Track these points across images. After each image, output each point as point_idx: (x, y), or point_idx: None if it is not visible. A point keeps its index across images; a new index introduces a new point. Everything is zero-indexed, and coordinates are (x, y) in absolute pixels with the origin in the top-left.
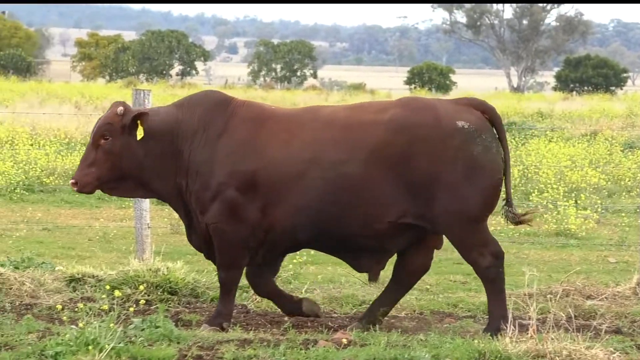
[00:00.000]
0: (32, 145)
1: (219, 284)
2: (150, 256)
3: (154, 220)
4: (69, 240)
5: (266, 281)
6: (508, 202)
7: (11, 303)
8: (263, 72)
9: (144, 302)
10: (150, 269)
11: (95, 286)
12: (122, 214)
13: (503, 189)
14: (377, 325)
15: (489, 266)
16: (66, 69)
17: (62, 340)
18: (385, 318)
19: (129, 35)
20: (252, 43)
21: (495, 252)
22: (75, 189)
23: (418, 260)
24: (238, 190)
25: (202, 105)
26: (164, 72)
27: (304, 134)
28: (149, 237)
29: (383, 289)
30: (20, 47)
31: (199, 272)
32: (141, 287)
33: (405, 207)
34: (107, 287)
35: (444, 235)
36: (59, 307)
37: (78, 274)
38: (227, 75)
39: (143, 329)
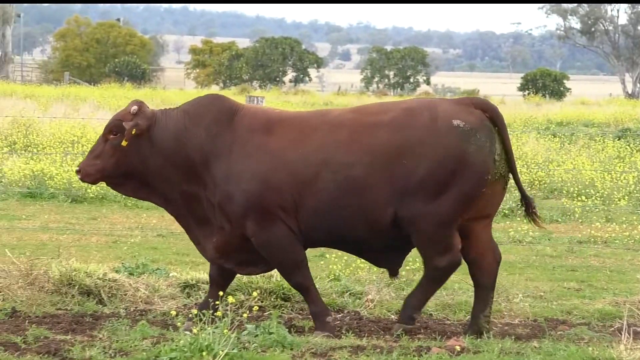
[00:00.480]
0: None
1: (298, 291)
2: None
3: None
4: (183, 247)
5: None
6: (524, 198)
7: (126, 309)
8: (376, 79)
9: (258, 308)
10: (263, 275)
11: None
12: None
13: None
14: (487, 333)
15: (441, 269)
16: (180, 76)
17: (177, 346)
18: (499, 325)
19: (243, 42)
20: (365, 50)
21: (453, 259)
22: (78, 176)
23: (484, 258)
24: (262, 196)
25: (208, 114)
26: (277, 79)
27: (314, 136)
28: None
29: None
30: (135, 54)
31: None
32: (254, 294)
33: (395, 206)
34: (221, 293)
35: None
36: (173, 313)
37: (192, 280)
38: (340, 82)
39: (256, 335)
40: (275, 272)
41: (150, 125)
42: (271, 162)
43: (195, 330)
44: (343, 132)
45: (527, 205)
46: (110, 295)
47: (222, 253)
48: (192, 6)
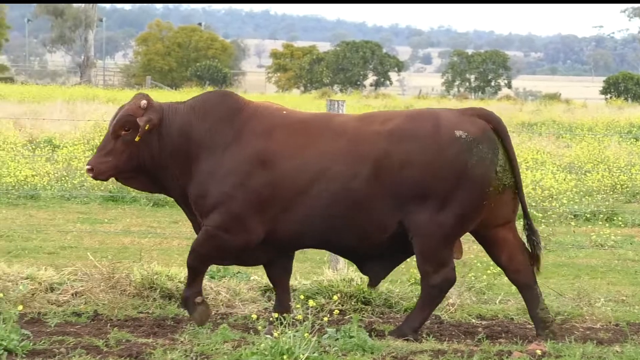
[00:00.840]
0: None
1: (187, 267)
2: (344, 266)
3: None
4: None
5: (277, 267)
6: (525, 215)
7: None
8: (457, 83)
9: (338, 312)
10: (344, 279)
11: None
12: None
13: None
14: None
15: (436, 286)
16: (261, 80)
17: (257, 349)
18: (580, 329)
19: (324, 46)
20: (446, 53)
21: (448, 277)
22: (90, 175)
23: (515, 258)
24: (243, 204)
25: (213, 111)
26: (358, 82)
27: (314, 145)
28: None
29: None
30: (216, 58)
31: (392, 282)
32: (335, 297)
33: (398, 218)
34: (302, 296)
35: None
36: (254, 316)
37: None
38: (421, 85)
39: (337, 339)
40: (356, 276)
41: (161, 119)
42: (264, 170)
43: (276, 334)
44: (343, 141)
45: (530, 227)
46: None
47: None
48: (273, 10)
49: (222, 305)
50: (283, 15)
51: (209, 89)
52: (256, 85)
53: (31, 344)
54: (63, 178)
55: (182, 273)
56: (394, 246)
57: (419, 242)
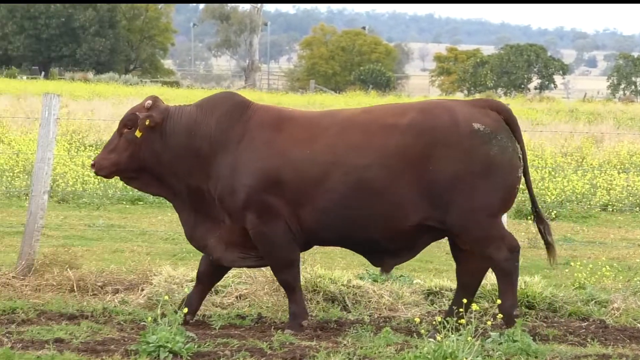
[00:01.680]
0: None
1: (283, 287)
2: None
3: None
4: (427, 254)
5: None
6: (533, 203)
7: (370, 316)
8: (622, 86)
9: (502, 316)
10: None
11: (453, 299)
12: None
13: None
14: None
15: (506, 259)
16: (425, 83)
17: (420, 353)
18: None
19: (488, 50)
20: (612, 56)
21: (511, 245)
22: (93, 170)
23: (475, 261)
24: (265, 191)
25: (220, 108)
26: (522, 86)
27: (325, 137)
28: None
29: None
30: (380, 62)
31: (557, 287)
32: (498, 301)
33: (426, 211)
34: (464, 300)
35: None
36: (417, 319)
37: (436, 288)
38: (586, 89)
39: (500, 343)
40: (520, 280)
41: (164, 119)
42: (277, 159)
43: (439, 338)
44: (357, 133)
45: (539, 215)
46: (354, 302)
47: (224, 247)
48: (437, 14)
49: (385, 308)
50: (447, 18)
51: (373, 93)
52: (420, 89)
53: (196, 346)
54: None
55: (345, 276)
56: (414, 240)
57: (468, 233)
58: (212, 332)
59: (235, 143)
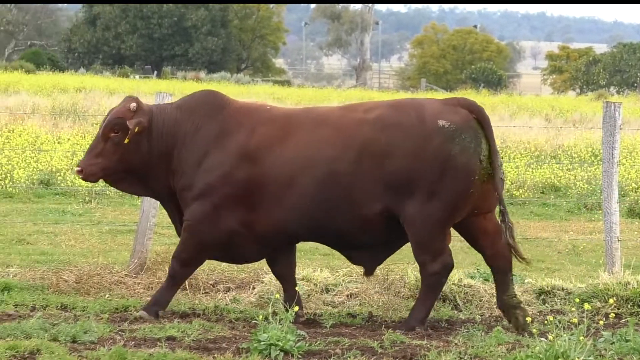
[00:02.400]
0: (502, 158)
1: (169, 274)
2: (620, 269)
3: (623, 233)
4: (538, 253)
5: (281, 264)
6: (501, 204)
7: (481, 315)
8: None
9: (614, 315)
10: (620, 282)
11: (564, 299)
12: (592, 226)
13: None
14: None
15: (435, 273)
16: (536, 82)
17: (532, 352)
18: None
19: (600, 48)
20: None
21: (446, 262)
22: (80, 176)
23: (497, 244)
24: (225, 196)
25: (197, 107)
26: (635, 84)
27: (298, 134)
28: (618, 250)
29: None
30: (491, 60)
31: None
32: (611, 301)
33: (388, 200)
34: (577, 300)
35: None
36: (528, 319)
37: (547, 287)
38: None
39: (612, 343)
40: (633, 279)
41: (150, 121)
42: (247, 163)
43: (551, 337)
44: (326, 129)
45: (503, 214)
46: (465, 301)
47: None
48: (549, 12)
49: (496, 308)
50: (559, 17)
51: (484, 92)
52: (531, 88)
53: (307, 344)
54: None
55: (456, 275)
56: (384, 233)
57: (412, 233)
58: (323, 331)
59: (206, 142)
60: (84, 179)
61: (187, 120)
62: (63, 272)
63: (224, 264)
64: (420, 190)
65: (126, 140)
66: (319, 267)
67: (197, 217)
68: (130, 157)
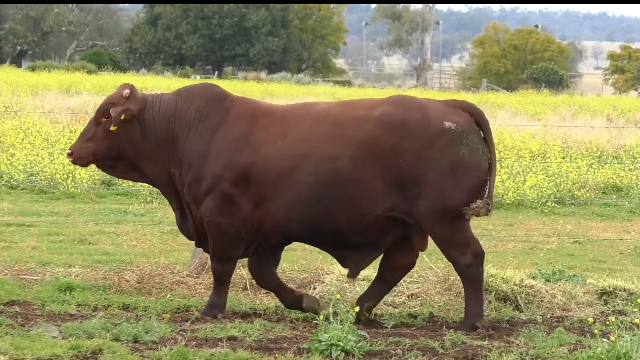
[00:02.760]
0: (563, 158)
1: (213, 276)
2: None
3: None
4: (600, 253)
5: (267, 272)
6: (488, 196)
7: (542, 315)
8: None
9: None
10: None
11: (626, 300)
12: None
13: None
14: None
15: (470, 265)
16: (598, 82)
17: (594, 353)
18: None
19: None
20: None
21: (476, 251)
22: (70, 159)
23: (403, 259)
24: (232, 184)
25: (200, 97)
26: None
27: (297, 129)
28: None
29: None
30: (552, 60)
31: None
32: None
33: (392, 202)
34: (639, 300)
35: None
36: (590, 320)
37: (609, 287)
38: None
39: None
40: None
41: (141, 109)
42: (250, 154)
43: (612, 338)
44: (329, 125)
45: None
46: (526, 301)
47: (199, 235)
48: (611, 12)
49: (558, 308)
50: (621, 16)
51: (545, 92)
52: (593, 87)
53: (368, 345)
54: None
55: (517, 276)
56: (381, 234)
57: (432, 231)
58: (384, 331)
59: (211, 132)
60: (74, 163)
61: (189, 109)
62: (125, 272)
63: (284, 264)
64: (430, 189)
65: (112, 127)
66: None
67: (213, 211)
68: (120, 143)
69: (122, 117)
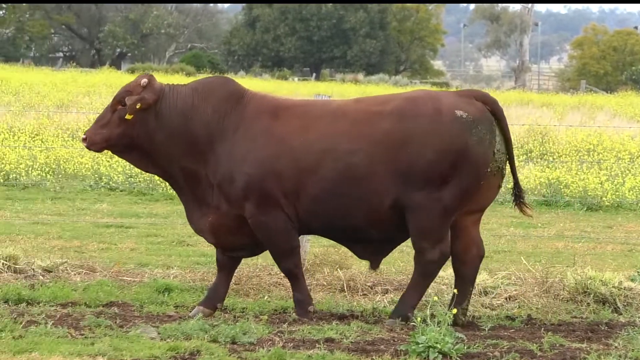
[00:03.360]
0: None
1: (287, 277)
2: None
3: None
4: None
5: (228, 265)
6: (517, 187)
7: None
8: None
9: None
10: None
11: None
12: None
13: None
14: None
15: (433, 262)
16: None
17: None
18: None
19: None
20: None
21: (444, 251)
22: (84, 144)
23: (468, 251)
24: (264, 180)
25: (217, 94)
26: None
27: (319, 125)
28: None
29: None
30: None
31: None
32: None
33: (397, 191)
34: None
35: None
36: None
37: None
38: None
39: None
40: None
41: (157, 100)
42: (275, 147)
43: None
44: (346, 122)
45: (517, 196)
46: (625, 304)
47: (216, 233)
48: None
49: None
50: None
51: None
52: None
53: (465, 347)
54: None
55: (616, 278)
56: (394, 226)
57: (416, 218)
58: (481, 333)
59: (232, 131)
60: (87, 147)
61: (206, 107)
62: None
63: (382, 266)
64: (433, 179)
65: (127, 116)
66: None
67: (254, 212)
68: (134, 132)
69: (137, 106)
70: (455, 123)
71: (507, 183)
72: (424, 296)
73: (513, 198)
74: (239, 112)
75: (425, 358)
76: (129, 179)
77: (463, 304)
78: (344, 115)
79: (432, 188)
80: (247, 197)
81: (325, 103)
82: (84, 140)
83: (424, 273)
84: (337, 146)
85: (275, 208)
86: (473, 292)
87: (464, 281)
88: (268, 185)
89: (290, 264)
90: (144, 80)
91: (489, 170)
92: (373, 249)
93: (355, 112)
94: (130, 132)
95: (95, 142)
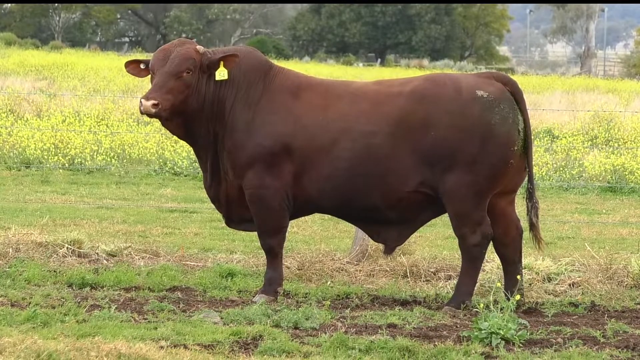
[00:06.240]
0: None
1: (264, 251)
2: None
3: None
4: None
5: None
6: (530, 182)
7: None
8: None
9: None
10: None
11: None
12: None
13: None
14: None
15: (476, 245)
16: None
17: None
18: None
19: None
20: None
21: (485, 232)
22: (154, 110)
23: (507, 232)
24: (273, 155)
25: (248, 61)
26: None
27: (338, 105)
28: None
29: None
30: None
31: None
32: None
33: (423, 175)
34: None
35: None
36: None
37: None
38: None
39: None
40: None
41: None
42: (292, 124)
43: None
44: (364, 102)
45: (530, 193)
46: None
47: (226, 202)
48: None
49: None
50: None
51: None
52: None
53: (528, 333)
54: (561, 169)
55: None
56: (415, 209)
57: (453, 205)
58: (545, 320)
59: (256, 101)
60: (156, 114)
61: (238, 71)
62: (286, 258)
63: (445, 252)
64: (461, 161)
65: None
66: (541, 256)
67: (255, 183)
68: (193, 98)
69: (230, 67)
70: (476, 102)
71: (573, 169)
72: (483, 283)
73: (527, 194)
74: (265, 84)
75: (488, 344)
76: (193, 163)
77: (519, 285)
78: (364, 96)
79: (462, 172)
80: (251, 166)
81: (347, 83)
82: (155, 105)
83: (471, 258)
84: (356, 126)
85: (276, 185)
86: (537, 279)
87: (513, 262)
88: (276, 160)
89: (274, 242)
90: (201, 47)
91: (515, 148)
92: (390, 233)
93: (375, 93)
94: (188, 99)
95: (166, 107)
